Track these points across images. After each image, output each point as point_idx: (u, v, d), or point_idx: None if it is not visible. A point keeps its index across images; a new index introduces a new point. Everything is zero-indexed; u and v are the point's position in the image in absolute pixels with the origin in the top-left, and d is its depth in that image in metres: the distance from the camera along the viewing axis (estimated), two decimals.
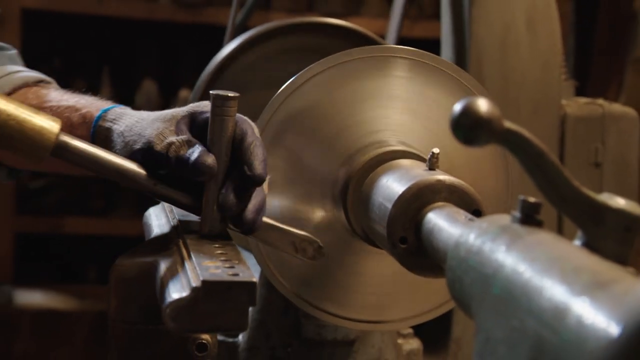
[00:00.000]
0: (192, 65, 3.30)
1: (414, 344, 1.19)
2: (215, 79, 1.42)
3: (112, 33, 3.37)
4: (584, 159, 1.59)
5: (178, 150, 0.90)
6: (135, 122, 0.99)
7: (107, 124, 1.01)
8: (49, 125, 0.90)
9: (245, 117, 0.93)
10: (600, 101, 1.63)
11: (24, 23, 3.04)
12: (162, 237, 0.93)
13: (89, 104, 1.06)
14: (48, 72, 3.56)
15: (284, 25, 1.47)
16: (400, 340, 1.18)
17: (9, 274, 3.08)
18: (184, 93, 3.21)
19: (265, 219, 0.92)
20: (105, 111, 1.03)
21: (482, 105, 0.59)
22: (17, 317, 2.88)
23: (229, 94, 0.89)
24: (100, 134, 1.01)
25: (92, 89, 3.43)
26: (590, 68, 2.74)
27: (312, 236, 0.95)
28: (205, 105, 0.95)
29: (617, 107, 1.63)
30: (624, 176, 1.60)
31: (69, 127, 1.02)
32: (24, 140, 0.89)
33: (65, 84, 3.48)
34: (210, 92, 0.90)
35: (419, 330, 1.19)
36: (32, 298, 2.99)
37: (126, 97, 3.27)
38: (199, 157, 0.88)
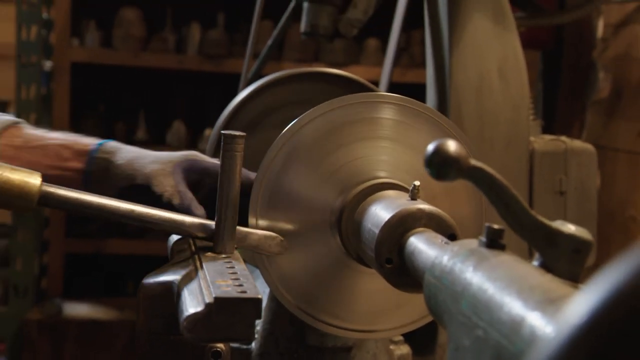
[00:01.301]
0: (216, 108, 3.30)
1: (404, 349, 1.19)
2: (231, 121, 1.43)
3: (147, 82, 3.40)
4: (550, 188, 1.59)
5: (170, 198, 0.94)
6: (135, 157, 1.01)
7: (105, 156, 1.02)
8: (32, 179, 0.88)
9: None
10: (563, 138, 1.63)
11: (73, 74, 3.06)
12: (182, 259, 0.94)
13: (76, 139, 1.06)
14: (93, 116, 3.57)
15: (291, 74, 1.47)
16: (392, 347, 1.17)
17: (59, 289, 3.08)
18: (208, 132, 3.23)
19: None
20: (101, 144, 1.04)
21: (451, 145, 0.60)
22: (66, 326, 2.88)
23: (237, 134, 0.90)
24: (98, 164, 1.02)
25: (130, 130, 3.44)
26: (556, 109, 2.74)
27: (272, 233, 0.94)
28: (196, 155, 0.98)
29: (577, 143, 1.63)
30: (585, 202, 1.60)
31: (60, 160, 1.03)
32: (9, 197, 0.87)
33: (108, 125, 3.50)
34: (221, 132, 0.91)
35: (409, 337, 1.19)
36: (78, 309, 2.98)
37: (159, 136, 3.29)
38: (190, 210, 0.93)
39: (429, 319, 1.01)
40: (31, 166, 0.93)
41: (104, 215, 0.91)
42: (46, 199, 0.88)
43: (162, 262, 0.93)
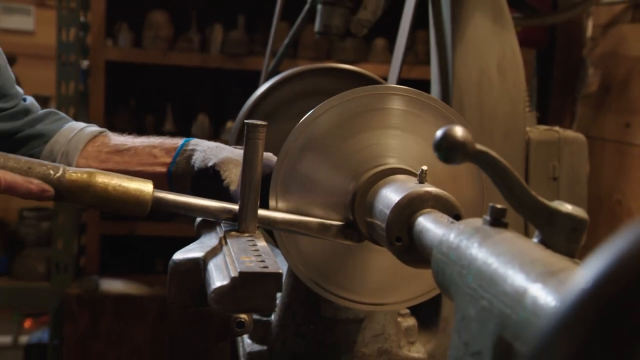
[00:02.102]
0: (236, 102, 3.30)
1: (411, 321, 1.18)
2: (252, 113, 1.42)
3: (174, 78, 3.40)
4: (545, 174, 1.58)
5: (230, 184, 0.99)
6: (214, 147, 1.08)
7: (191, 147, 1.09)
8: (145, 188, 0.93)
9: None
10: (557, 128, 1.62)
11: (108, 72, 3.06)
12: (209, 237, 0.93)
13: (163, 140, 1.13)
14: (125, 110, 3.58)
15: (306, 69, 1.47)
16: (399, 319, 1.16)
17: (96, 267, 3.09)
18: (229, 124, 3.22)
19: (296, 217, 0.94)
20: (187, 141, 1.11)
21: (458, 131, 0.59)
22: (102, 300, 2.89)
23: (259, 123, 0.89)
24: (183, 154, 1.08)
25: (158, 123, 3.43)
26: (549, 103, 2.72)
27: (352, 226, 0.95)
28: (270, 157, 1.03)
29: (569, 133, 1.61)
30: (576, 187, 1.59)
31: (152, 157, 1.10)
32: (130, 204, 0.93)
33: (139, 118, 3.49)
34: (245, 121, 0.90)
35: (415, 310, 1.18)
36: (113, 285, 2.99)
37: (184, 128, 3.29)
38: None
39: (433, 293, 1.00)
40: (121, 167, 1.02)
41: (201, 216, 0.97)
42: (158, 204, 0.93)
43: (189, 243, 0.94)
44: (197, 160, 1.05)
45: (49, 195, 0.90)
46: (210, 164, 1.03)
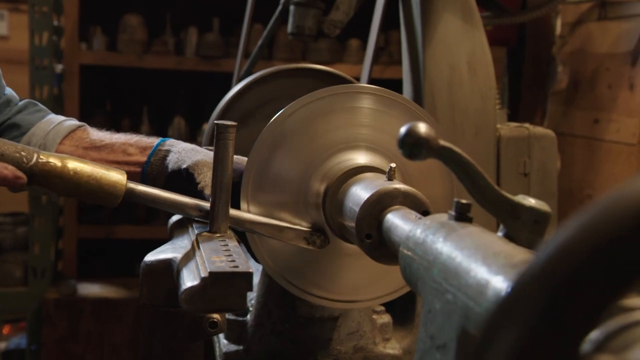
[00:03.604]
0: (212, 104, 3.27)
1: (386, 318, 1.18)
2: (225, 114, 1.42)
3: (149, 81, 3.38)
4: (515, 170, 1.59)
5: (204, 188, 0.98)
6: (190, 149, 1.07)
7: (166, 147, 1.08)
8: (119, 178, 0.93)
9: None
10: (527, 125, 1.63)
11: (82, 76, 3.04)
12: (181, 238, 0.93)
13: (140, 138, 1.12)
14: (101, 114, 3.54)
15: (279, 70, 1.47)
16: (374, 316, 1.17)
17: (73, 271, 3.06)
18: (206, 126, 3.20)
19: (280, 222, 0.94)
20: (163, 141, 1.10)
21: (422, 127, 0.59)
22: (81, 304, 2.86)
23: (229, 123, 0.89)
24: (158, 155, 1.07)
25: (135, 125, 3.40)
26: (520, 100, 2.74)
27: (317, 230, 0.96)
28: (243, 161, 1.02)
29: (539, 129, 1.63)
30: (546, 182, 1.60)
31: (125, 155, 1.09)
32: (102, 192, 0.92)
33: (115, 122, 3.47)
34: (215, 121, 0.90)
35: (390, 307, 1.18)
36: (92, 289, 2.97)
37: (161, 131, 3.27)
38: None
39: (407, 289, 1.01)
40: (97, 162, 0.98)
41: (174, 212, 0.96)
42: (130, 195, 0.93)
43: None
44: (171, 161, 1.04)
45: (21, 183, 0.89)
46: (184, 166, 1.02)
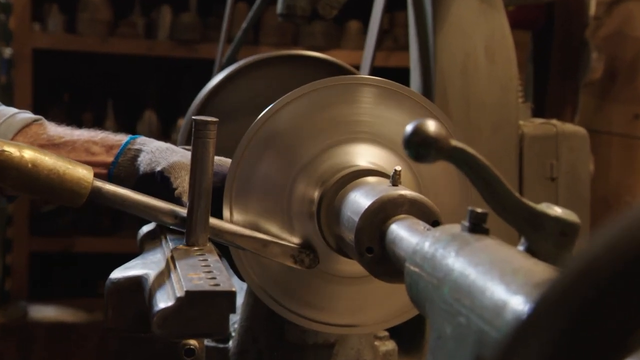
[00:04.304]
0: (189, 97, 3.28)
1: (390, 345, 1.19)
2: (204, 108, 1.43)
3: (115, 69, 3.38)
4: (541, 174, 1.60)
5: (181, 195, 0.98)
6: (165, 149, 1.06)
7: (137, 146, 1.08)
8: (84, 174, 0.93)
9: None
10: (554, 121, 1.64)
11: (36, 62, 3.04)
12: (152, 252, 0.94)
13: (106, 135, 1.12)
14: (58, 106, 3.54)
15: (267, 58, 1.48)
16: (376, 342, 1.18)
17: (24, 291, 3.07)
18: (181, 122, 3.20)
19: (265, 236, 0.95)
20: (133, 139, 1.10)
21: (431, 125, 0.60)
22: (33, 329, 2.87)
23: (209, 119, 0.90)
24: (127, 154, 1.07)
25: (98, 120, 3.41)
26: (547, 92, 2.75)
27: (307, 247, 0.97)
28: (225, 163, 1.03)
29: (569, 127, 1.64)
30: (577, 188, 1.61)
31: (89, 155, 1.08)
32: (64, 190, 0.92)
33: (75, 117, 3.47)
34: (193, 117, 0.91)
35: (395, 332, 1.19)
36: (46, 312, 2.97)
37: (129, 127, 3.28)
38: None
39: (415, 312, 1.02)
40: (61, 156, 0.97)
41: (146, 217, 0.96)
42: (95, 195, 0.93)
43: None
44: (143, 162, 1.05)
45: None
46: (158, 168, 1.02)
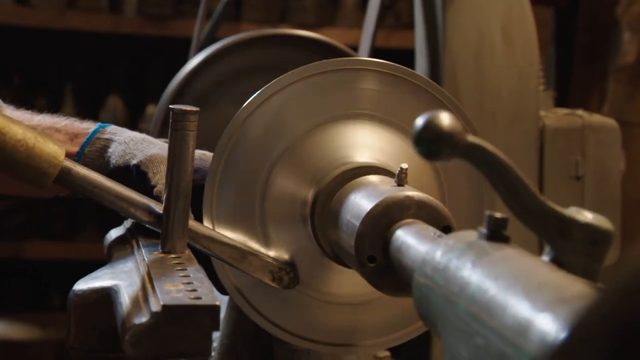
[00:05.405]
0: (160, 80, 3.29)
1: None
2: (181, 94, 1.43)
3: (75, 48, 3.37)
4: (565, 172, 1.61)
5: (160, 193, 0.96)
6: (140, 139, 1.06)
7: (107, 136, 1.07)
8: (56, 151, 0.93)
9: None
10: (580, 112, 1.65)
11: None
12: (123, 260, 0.94)
13: (70, 122, 1.11)
14: (6, 89, 3.53)
15: (252, 38, 1.48)
16: None
17: None
18: (151, 109, 3.20)
19: (244, 246, 0.95)
20: (102, 127, 1.09)
21: (444, 119, 0.61)
22: None
23: (189, 109, 0.90)
24: (95, 144, 1.07)
25: (54, 107, 3.41)
26: (571, 78, 2.76)
27: (288, 264, 0.97)
28: (208, 158, 1.01)
29: (597, 118, 1.65)
30: (606, 189, 1.62)
31: None
32: (30, 167, 0.92)
33: (27, 102, 3.45)
34: (170, 106, 0.91)
35: (397, 351, 1.20)
36: None
37: (90, 114, 3.25)
38: None
39: (420, 330, 1.02)
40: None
41: (120, 211, 0.96)
42: (64, 177, 0.93)
43: (96, 269, 0.94)
44: (115, 154, 1.04)
45: None
46: (133, 161, 1.02)
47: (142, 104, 3.27)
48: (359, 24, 3.22)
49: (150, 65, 3.40)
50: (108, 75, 3.41)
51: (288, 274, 0.98)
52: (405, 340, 1.04)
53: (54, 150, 0.93)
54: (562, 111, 1.66)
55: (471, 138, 0.62)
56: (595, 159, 1.60)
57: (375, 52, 1.74)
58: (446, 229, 0.84)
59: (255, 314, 1.00)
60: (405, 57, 1.63)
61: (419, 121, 0.61)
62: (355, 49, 1.66)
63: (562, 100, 2.01)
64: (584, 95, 2.72)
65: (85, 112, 3.26)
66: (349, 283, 1.00)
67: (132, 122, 3.24)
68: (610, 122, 1.65)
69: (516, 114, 1.59)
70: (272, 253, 0.98)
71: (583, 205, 1.64)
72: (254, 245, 0.98)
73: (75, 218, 3.19)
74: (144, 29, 3.16)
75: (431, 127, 0.60)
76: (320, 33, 1.55)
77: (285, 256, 0.99)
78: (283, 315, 1.01)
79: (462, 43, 1.59)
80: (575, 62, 2.78)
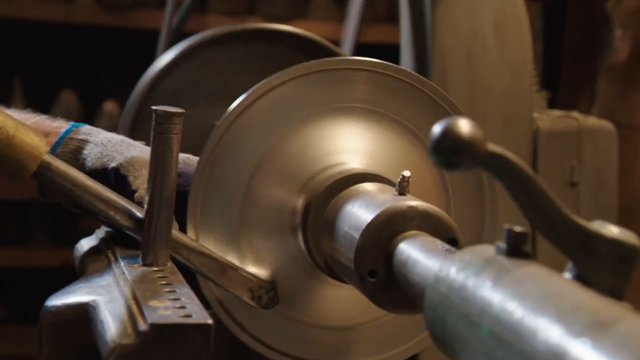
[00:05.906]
0: (118, 74, 3.29)
1: None
2: (152, 92, 1.42)
3: (24, 38, 3.34)
4: (559, 177, 1.61)
5: (142, 199, 0.95)
6: (118, 141, 1.05)
7: (82, 136, 1.06)
8: (37, 143, 0.93)
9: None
10: (575, 114, 1.66)
11: None
12: (99, 274, 0.93)
13: (37, 120, 1.10)
14: None
15: (231, 31, 1.47)
16: None
17: None
18: (108, 106, 3.18)
19: (225, 260, 0.95)
20: (75, 127, 1.08)
21: (464, 126, 0.60)
22: None
23: (174, 110, 0.90)
24: (68, 145, 1.06)
25: (2, 101, 3.37)
26: (560, 76, 2.78)
27: (268, 283, 0.97)
28: (193, 162, 1.01)
29: (593, 121, 1.66)
30: (602, 197, 1.63)
31: None
32: (9, 158, 0.91)
33: None
34: (153, 107, 0.90)
35: None
36: None
37: (41, 109, 3.22)
38: None
39: (420, 347, 1.02)
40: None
41: (99, 213, 0.95)
42: (43, 172, 0.93)
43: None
44: (91, 156, 1.03)
45: None
46: (112, 164, 1.01)
47: (98, 100, 3.25)
48: (331, 17, 3.22)
49: (108, 58, 3.38)
50: (61, 68, 3.38)
51: (268, 292, 0.97)
52: (405, 357, 1.04)
53: (35, 142, 0.93)
54: (556, 113, 1.67)
55: (492, 147, 0.61)
56: (592, 165, 1.62)
57: (356, 49, 1.74)
58: (452, 241, 0.84)
59: (238, 328, 1.00)
60: (382, 52, 1.62)
61: (437, 129, 0.61)
62: (330, 42, 1.65)
63: (550, 101, 2.02)
64: (573, 94, 2.73)
65: (36, 107, 3.23)
66: (339, 300, 1.00)
67: (87, 119, 3.20)
68: (607, 125, 1.66)
69: (509, 115, 1.60)
70: (254, 268, 0.98)
71: (578, 214, 1.65)
72: (235, 259, 0.97)
73: (26, 222, 3.15)
74: (101, 19, 3.14)
75: (450, 135, 0.60)
76: (292, 26, 1.54)
77: (267, 272, 0.98)
78: (268, 330, 1.00)
79: (453, 39, 1.59)
80: (563, 60, 2.80)
